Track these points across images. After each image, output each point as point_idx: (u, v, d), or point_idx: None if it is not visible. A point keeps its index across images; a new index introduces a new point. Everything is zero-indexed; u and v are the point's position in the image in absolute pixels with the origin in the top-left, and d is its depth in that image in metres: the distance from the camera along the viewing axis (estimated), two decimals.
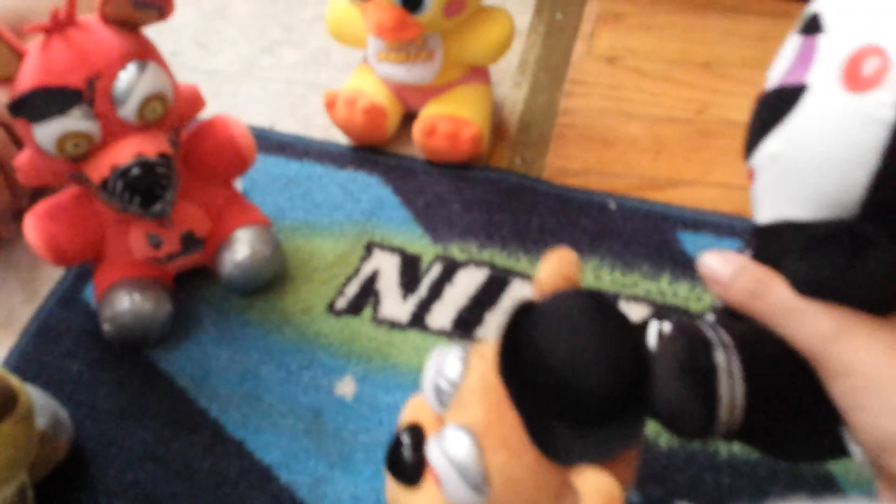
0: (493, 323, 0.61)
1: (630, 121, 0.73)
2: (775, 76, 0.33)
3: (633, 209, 0.66)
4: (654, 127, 0.72)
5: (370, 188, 0.71)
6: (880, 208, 0.29)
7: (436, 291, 0.64)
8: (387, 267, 0.65)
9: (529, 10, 0.83)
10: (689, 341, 0.32)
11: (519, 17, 0.69)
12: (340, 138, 0.74)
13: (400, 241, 0.67)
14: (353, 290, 0.64)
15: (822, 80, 0.30)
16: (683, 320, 0.33)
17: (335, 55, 0.81)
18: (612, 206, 0.66)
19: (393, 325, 0.62)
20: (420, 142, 0.69)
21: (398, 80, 0.69)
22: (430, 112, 0.69)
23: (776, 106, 0.32)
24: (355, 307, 0.63)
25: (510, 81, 0.78)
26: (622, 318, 0.34)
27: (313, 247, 0.67)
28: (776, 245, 0.32)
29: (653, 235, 0.64)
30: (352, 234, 0.68)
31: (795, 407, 0.32)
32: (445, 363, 0.39)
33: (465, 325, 0.62)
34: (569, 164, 0.71)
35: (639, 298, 0.61)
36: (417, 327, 0.62)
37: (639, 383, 0.33)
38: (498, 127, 0.74)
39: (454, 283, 0.64)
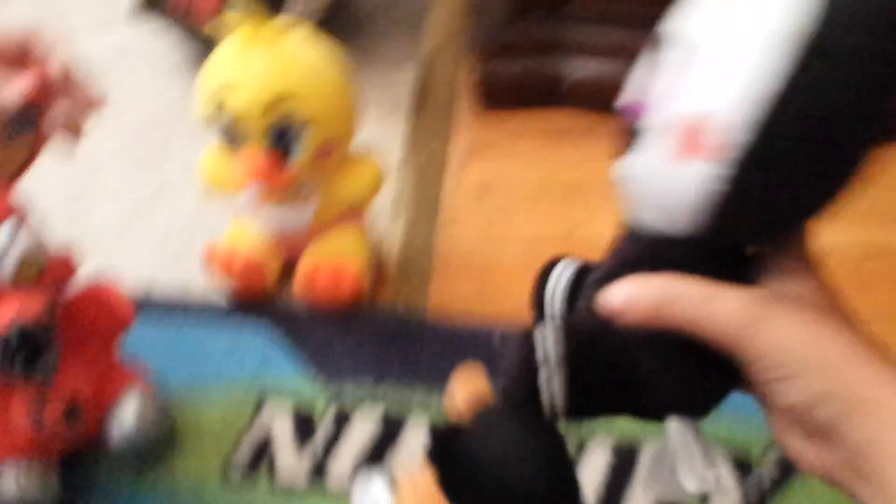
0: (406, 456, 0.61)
1: (507, 246, 0.76)
2: (630, 89, 0.34)
3: None
4: (531, 249, 0.75)
5: (257, 338, 0.70)
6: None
7: (331, 443, 0.63)
8: (279, 421, 0.64)
9: (399, 147, 0.86)
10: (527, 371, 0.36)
11: (390, 153, 0.71)
12: (224, 289, 0.73)
13: (291, 392, 0.66)
14: (246, 452, 0.63)
15: (653, 130, 0.32)
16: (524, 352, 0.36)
17: (211, 205, 0.81)
18: (498, 337, 0.68)
19: (291, 491, 0.61)
20: (302, 292, 0.70)
21: (276, 224, 0.70)
22: (309, 261, 0.70)
23: (625, 132, 0.34)
24: (251, 472, 0.62)
25: (386, 219, 0.80)
26: (543, 420, 0.37)
27: (202, 407, 0.65)
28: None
29: None
30: (241, 392, 0.66)
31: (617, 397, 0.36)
32: (371, 493, 0.39)
33: None
34: (451, 297, 0.73)
35: None
36: (317, 490, 0.61)
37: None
38: (379, 265, 0.75)
39: (349, 431, 0.63)
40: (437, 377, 0.66)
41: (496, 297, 0.72)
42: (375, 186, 0.70)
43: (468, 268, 0.75)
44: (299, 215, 0.69)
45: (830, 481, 0.34)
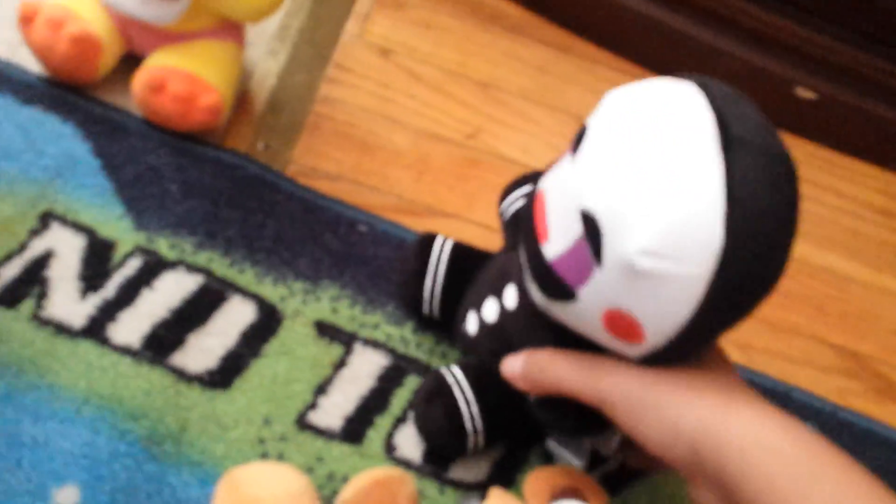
0: (197, 347, 0.49)
1: (396, 129, 0.64)
2: (555, 244, 0.38)
3: (387, 234, 0.57)
4: (421, 142, 0.64)
5: (62, 140, 0.54)
6: None
7: (128, 294, 0.50)
8: (66, 249, 0.50)
9: None
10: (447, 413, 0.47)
11: None
12: (32, 63, 0.56)
13: (90, 217, 0.52)
14: (12, 272, 0.48)
15: (590, 308, 0.37)
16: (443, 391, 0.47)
17: None
18: (363, 227, 0.56)
19: (60, 329, 0.47)
20: (142, 98, 0.54)
21: (126, 11, 0.53)
22: (162, 62, 0.55)
23: (554, 289, 0.39)
24: (11, 297, 0.47)
25: (265, 47, 0.65)
26: None
27: None
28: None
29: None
30: (25, 196, 0.51)
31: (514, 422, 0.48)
32: None
33: (160, 345, 0.48)
34: (320, 164, 0.60)
35: (378, 344, 0.52)
36: (94, 338, 0.47)
37: None
38: (242, 99, 0.61)
39: (154, 288, 0.50)
40: (282, 251, 0.54)
41: (371, 179, 0.60)
42: (271, 6, 0.55)
43: (347, 137, 0.62)
44: (162, 8, 0.54)
45: None
